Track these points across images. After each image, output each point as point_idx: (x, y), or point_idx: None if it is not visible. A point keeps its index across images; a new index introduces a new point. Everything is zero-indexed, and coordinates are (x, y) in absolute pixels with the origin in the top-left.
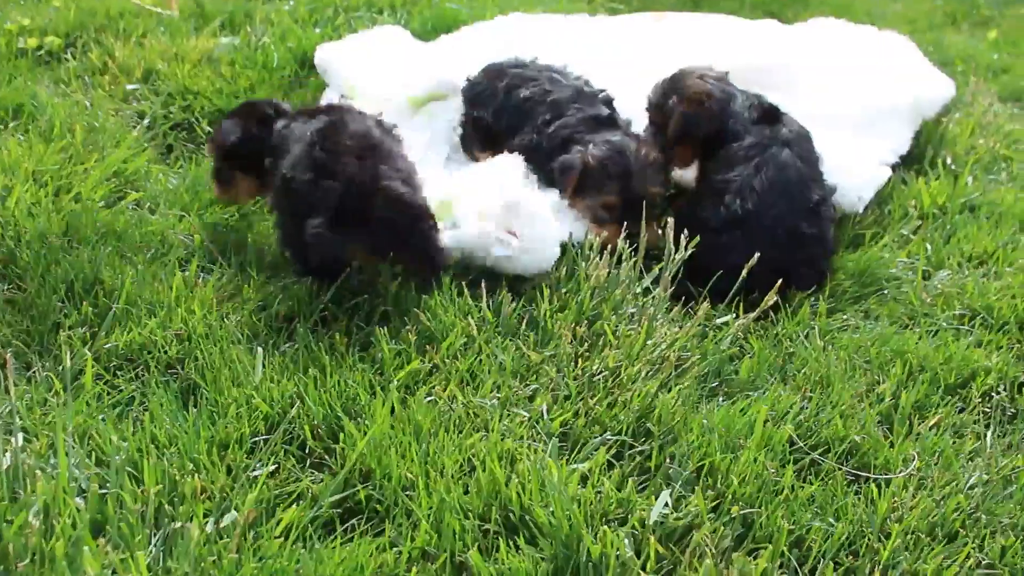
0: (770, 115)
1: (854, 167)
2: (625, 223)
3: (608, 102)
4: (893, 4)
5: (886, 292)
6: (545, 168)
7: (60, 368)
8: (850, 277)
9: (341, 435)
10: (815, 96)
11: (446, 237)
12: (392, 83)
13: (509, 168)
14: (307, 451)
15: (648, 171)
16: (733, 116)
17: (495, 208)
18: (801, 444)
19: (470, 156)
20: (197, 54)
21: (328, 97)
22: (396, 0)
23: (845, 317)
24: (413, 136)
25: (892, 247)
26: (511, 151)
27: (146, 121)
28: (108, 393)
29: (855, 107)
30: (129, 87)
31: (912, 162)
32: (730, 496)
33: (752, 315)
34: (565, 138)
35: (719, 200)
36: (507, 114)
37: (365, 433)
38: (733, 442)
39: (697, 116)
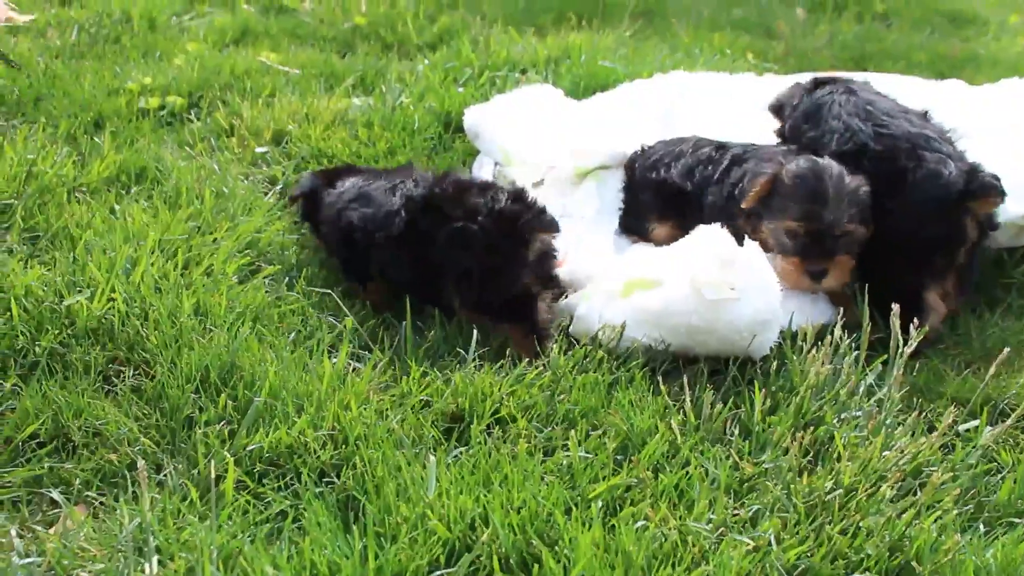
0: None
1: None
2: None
3: None
4: None
5: None
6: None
7: (195, 472)
8: None
9: (535, 567)
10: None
11: (645, 298)
12: (554, 150)
13: (716, 232)
14: None
15: (846, 202)
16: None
17: (709, 267)
18: None
19: (637, 232)
20: (330, 115)
21: (479, 162)
22: (539, 58)
23: None
24: (580, 205)
25: None
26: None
27: (278, 187)
28: (253, 506)
29: None
30: (258, 150)
31: None
32: None
33: (1008, 422)
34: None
35: None
36: (699, 169)
37: (564, 565)
38: None
39: None
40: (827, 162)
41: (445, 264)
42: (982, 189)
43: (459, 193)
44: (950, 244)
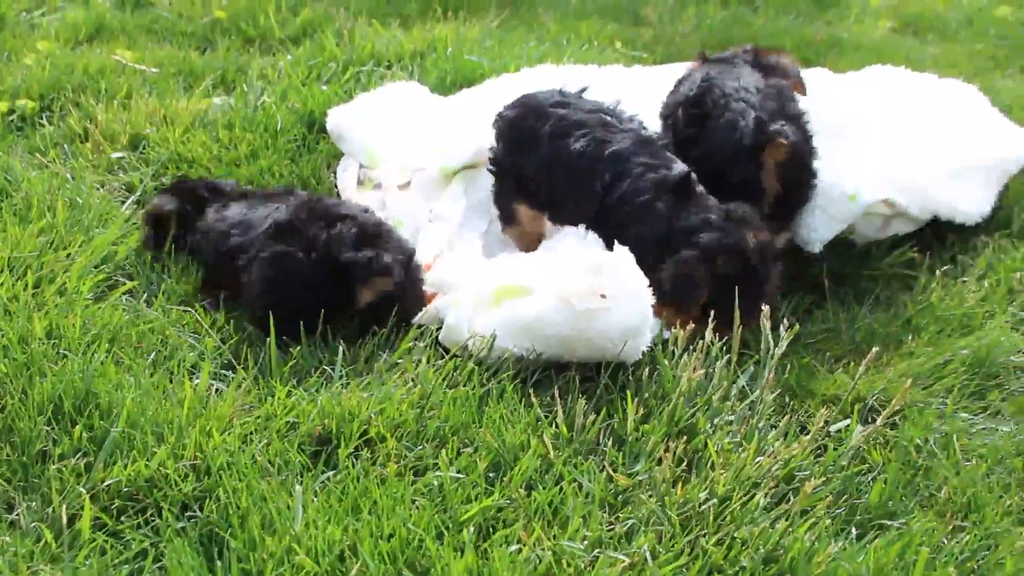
0: None
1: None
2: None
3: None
4: (929, 47)
5: (1010, 386)
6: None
7: (49, 510)
8: (967, 369)
9: None
10: (888, 151)
11: (516, 308)
12: (419, 150)
13: (582, 237)
14: None
15: (772, 270)
16: None
17: (576, 273)
18: None
19: (504, 214)
20: (189, 116)
21: (344, 165)
22: (405, 53)
23: (970, 418)
24: (448, 207)
25: (1008, 330)
26: (563, 222)
27: (136, 195)
28: (111, 546)
29: (936, 162)
30: (115, 155)
31: (1000, 227)
32: None
33: (879, 421)
34: (643, 205)
35: None
36: (553, 172)
37: None
38: None
39: None
40: (738, 234)
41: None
42: (768, 136)
43: (309, 221)
44: (749, 192)
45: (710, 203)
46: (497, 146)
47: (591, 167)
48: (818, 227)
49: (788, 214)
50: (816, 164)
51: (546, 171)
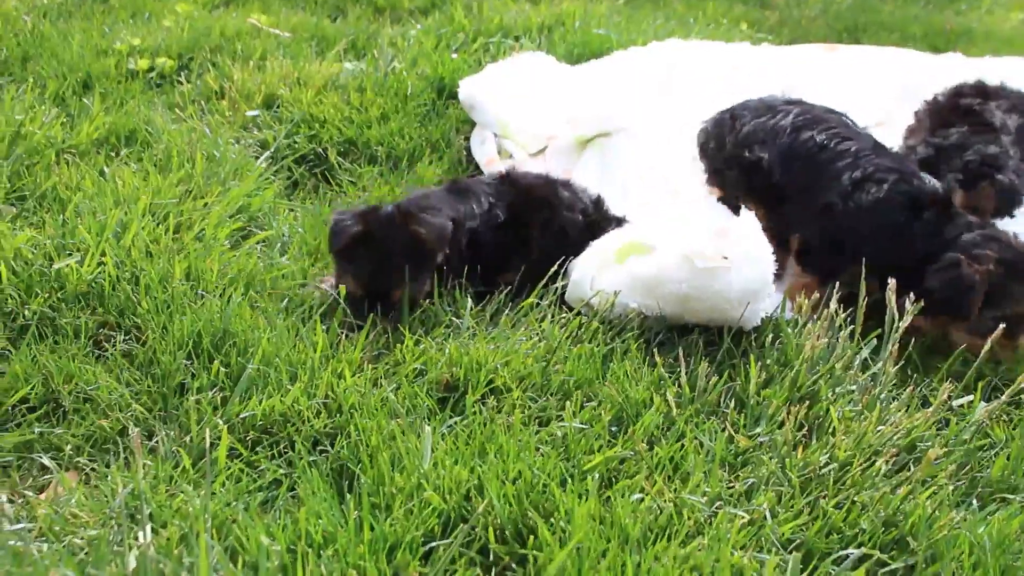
0: None
1: None
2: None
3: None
4: None
5: None
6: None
7: (187, 439)
8: None
9: (531, 538)
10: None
11: (638, 265)
12: (552, 118)
13: (712, 202)
14: (491, 558)
15: None
16: None
17: (702, 236)
18: None
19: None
20: (321, 79)
21: (480, 136)
22: (532, 25)
23: None
24: (584, 174)
25: None
26: (794, 214)
27: (270, 151)
28: (246, 474)
29: None
30: (249, 113)
31: None
32: None
33: (1003, 398)
34: (897, 227)
35: None
36: (796, 163)
37: (560, 536)
38: (1008, 562)
39: None
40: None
41: None
42: None
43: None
44: None
45: (970, 218)
46: (728, 144)
47: (832, 161)
48: None
49: None
50: None
51: (784, 164)
